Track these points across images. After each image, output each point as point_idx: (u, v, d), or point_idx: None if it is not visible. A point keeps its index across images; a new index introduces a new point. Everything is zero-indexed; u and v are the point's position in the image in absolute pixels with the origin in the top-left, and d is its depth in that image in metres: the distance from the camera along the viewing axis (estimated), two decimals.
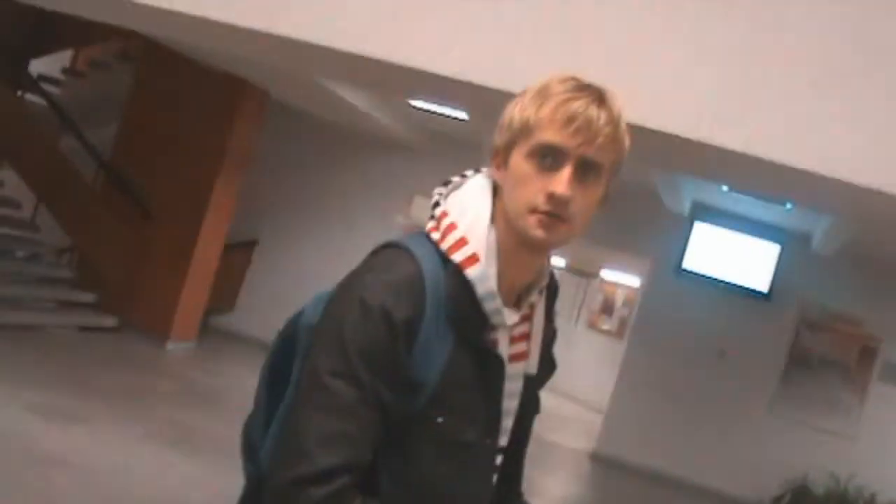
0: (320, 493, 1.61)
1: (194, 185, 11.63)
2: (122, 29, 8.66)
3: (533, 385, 1.95)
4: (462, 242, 1.75)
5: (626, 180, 10.81)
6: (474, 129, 11.22)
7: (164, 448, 7.68)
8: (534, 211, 1.70)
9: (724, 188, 9.91)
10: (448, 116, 10.85)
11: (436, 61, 5.67)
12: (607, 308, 18.65)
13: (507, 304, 1.79)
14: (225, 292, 13.40)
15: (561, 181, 1.68)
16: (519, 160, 1.74)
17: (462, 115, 10.44)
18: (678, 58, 5.49)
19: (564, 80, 1.76)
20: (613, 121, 1.72)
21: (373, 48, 5.78)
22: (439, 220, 1.82)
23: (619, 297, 18.38)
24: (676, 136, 5.41)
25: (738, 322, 12.24)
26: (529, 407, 1.96)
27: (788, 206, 9.87)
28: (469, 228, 1.77)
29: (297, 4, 5.96)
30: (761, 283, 11.97)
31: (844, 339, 12.03)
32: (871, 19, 5.27)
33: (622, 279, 18.19)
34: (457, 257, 1.75)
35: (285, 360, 1.91)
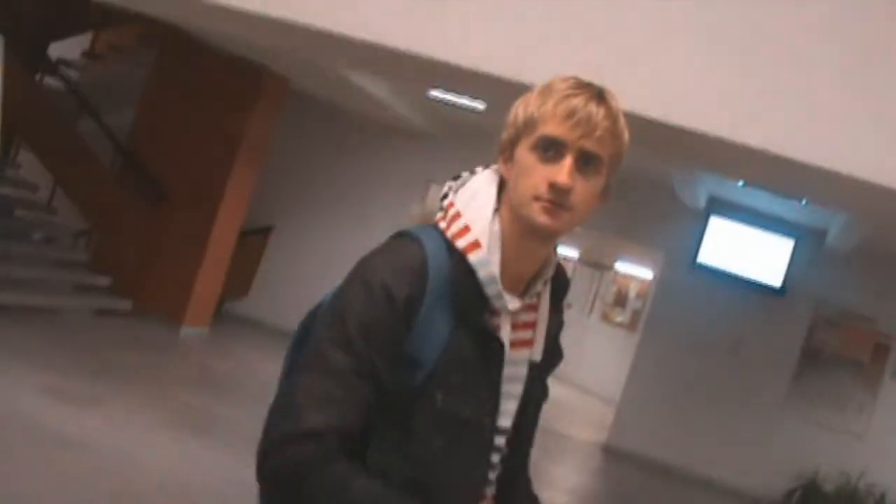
0: (304, 451, 1.71)
1: (211, 170, 11.66)
2: (141, 14, 8.68)
3: (538, 372, 2.02)
4: (466, 230, 1.86)
5: (641, 174, 10.84)
6: (491, 119, 11.21)
7: (177, 432, 7.71)
8: (537, 199, 1.80)
9: (740, 183, 9.90)
10: (465, 107, 10.84)
11: (457, 53, 5.68)
12: (621, 300, 18.63)
13: (513, 292, 1.90)
14: (239, 278, 13.43)
15: (562, 171, 1.79)
16: (524, 153, 1.84)
17: (479, 105, 10.43)
18: (698, 54, 5.49)
19: (566, 79, 1.86)
20: (611, 116, 1.82)
21: (394, 39, 5.79)
22: (446, 210, 1.92)
23: (633, 290, 18.36)
24: (696, 133, 5.42)
25: (752, 317, 12.23)
26: (535, 393, 2.03)
27: (804, 201, 9.85)
28: (473, 218, 1.87)
29: None
30: (775, 278, 11.96)
31: (857, 337, 12.01)
32: (893, 19, 5.26)
33: (636, 272, 18.17)
34: (460, 244, 1.85)
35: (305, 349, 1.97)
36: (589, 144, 1.80)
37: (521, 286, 1.93)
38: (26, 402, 7.21)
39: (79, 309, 10.99)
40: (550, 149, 1.81)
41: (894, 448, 11.63)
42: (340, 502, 1.73)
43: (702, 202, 12.04)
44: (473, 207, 1.89)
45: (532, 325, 1.98)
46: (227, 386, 10.00)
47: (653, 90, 5.49)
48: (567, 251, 18.87)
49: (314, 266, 12.62)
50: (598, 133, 1.79)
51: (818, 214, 10.79)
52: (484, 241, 1.84)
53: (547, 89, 1.85)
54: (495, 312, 1.88)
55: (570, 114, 1.79)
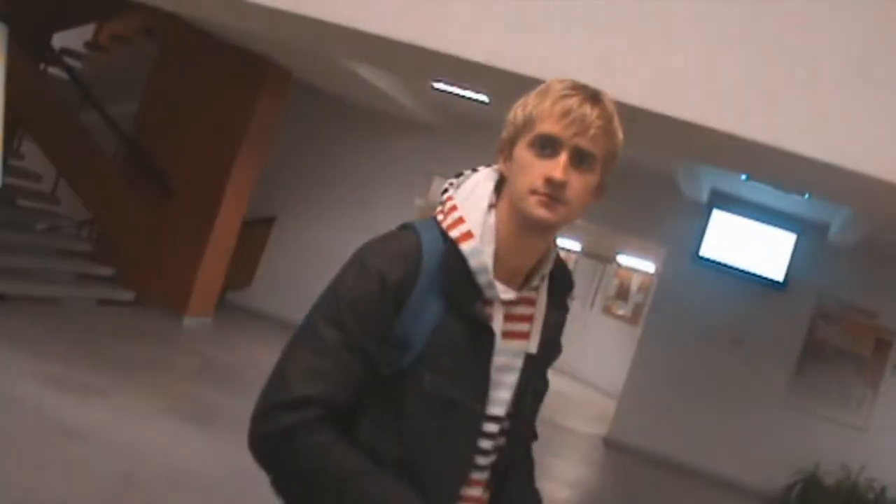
0: (291, 419, 1.84)
1: (214, 161, 11.67)
2: (145, 4, 8.68)
3: (535, 364, 2.09)
4: (460, 221, 1.96)
5: (644, 167, 10.82)
6: (495, 111, 11.20)
7: (179, 422, 7.73)
8: (534, 193, 1.90)
9: (743, 177, 9.90)
10: (469, 99, 10.84)
11: (463, 46, 5.68)
12: (623, 293, 18.63)
13: (510, 284, 2.00)
14: (242, 269, 13.45)
15: (557, 167, 1.89)
16: (522, 150, 1.94)
17: (483, 97, 10.43)
18: (703, 48, 5.49)
19: (563, 81, 1.97)
20: (605, 116, 1.92)
21: (400, 32, 5.80)
22: (444, 204, 2.04)
23: (635, 283, 18.35)
24: (701, 126, 5.43)
25: (753, 311, 12.24)
26: (534, 385, 2.11)
27: (807, 195, 9.85)
28: (468, 210, 1.98)
29: None
30: (777, 272, 11.98)
31: (859, 331, 12.02)
32: None
33: (638, 265, 18.17)
34: (453, 234, 1.95)
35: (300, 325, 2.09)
36: (583, 142, 1.90)
37: (519, 279, 2.03)
38: (29, 392, 7.23)
39: (82, 299, 11.01)
40: (547, 146, 1.91)
41: (895, 443, 11.64)
42: (321, 469, 1.85)
43: (704, 195, 12.05)
44: (470, 202, 2.00)
45: (529, 319, 2.06)
46: (230, 376, 10.01)
47: (657, 84, 5.50)
48: (569, 243, 18.88)
49: (316, 257, 12.61)
50: (591, 132, 1.89)
51: (821, 209, 10.79)
52: (477, 232, 1.95)
53: (545, 91, 1.96)
54: (488, 302, 1.97)
55: (566, 113, 1.89)
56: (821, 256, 12.00)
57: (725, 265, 12.13)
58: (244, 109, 11.64)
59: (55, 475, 5.86)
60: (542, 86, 1.98)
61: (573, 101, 1.90)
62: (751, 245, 12.10)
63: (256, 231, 13.70)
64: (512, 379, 2.04)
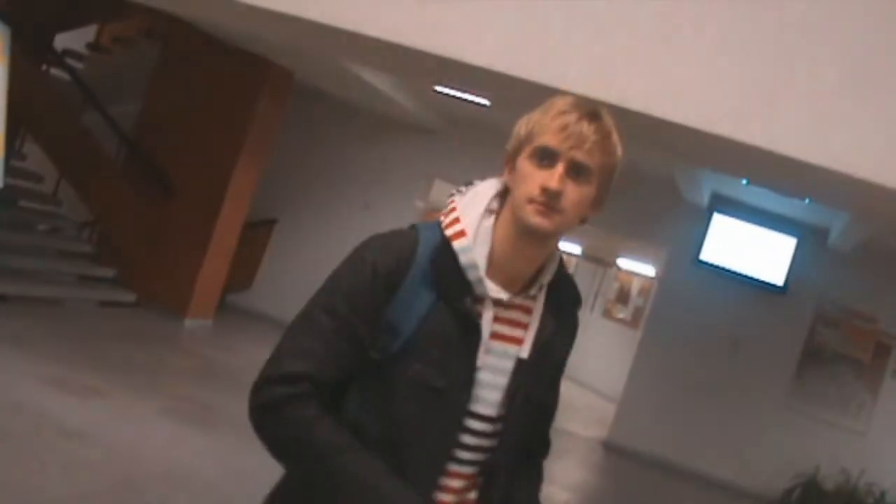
0: (280, 392, 2.00)
1: (216, 163, 11.69)
2: (147, 6, 8.70)
3: (530, 371, 2.15)
4: (456, 221, 2.09)
5: (645, 171, 10.84)
6: (496, 115, 11.24)
7: (179, 423, 7.75)
8: (531, 201, 2.01)
9: (744, 181, 9.91)
10: (470, 101, 10.86)
11: (466, 51, 5.70)
12: (623, 297, 18.65)
13: (508, 289, 2.10)
14: (243, 271, 13.47)
15: (553, 177, 1.99)
16: (523, 162, 2.06)
17: (484, 101, 10.45)
18: (704, 53, 5.50)
19: (565, 98, 2.08)
20: (601, 131, 2.02)
21: (404, 36, 5.81)
22: (448, 207, 2.16)
23: (635, 287, 18.37)
24: (701, 131, 5.44)
25: (753, 315, 12.25)
26: (529, 391, 2.16)
27: (807, 200, 9.87)
28: (465, 213, 2.10)
29: None
30: (777, 276, 11.98)
31: (859, 335, 12.03)
32: None
33: (638, 268, 18.19)
34: (448, 232, 2.08)
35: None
36: (579, 155, 2.00)
37: (518, 286, 2.12)
38: (30, 393, 7.23)
39: (83, 300, 11.03)
40: (545, 158, 2.02)
41: (894, 447, 11.65)
42: (305, 442, 1.99)
43: (705, 199, 12.06)
44: (469, 206, 2.12)
45: (524, 326, 2.14)
46: (230, 378, 10.01)
47: (658, 88, 5.51)
48: (570, 247, 18.89)
49: (317, 259, 12.56)
50: (587, 145, 1.99)
51: (821, 213, 10.80)
52: (470, 232, 2.06)
53: (548, 107, 2.07)
54: (479, 300, 2.07)
55: (564, 128, 2.00)
56: (821, 261, 12.01)
57: (725, 269, 12.14)
58: (246, 111, 11.66)
59: (55, 476, 5.87)
60: (547, 102, 2.09)
61: (572, 117, 2.01)
62: (751, 249, 12.11)
63: (257, 233, 13.71)
64: (501, 381, 2.12)
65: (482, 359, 2.07)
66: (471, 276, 2.05)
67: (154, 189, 11.66)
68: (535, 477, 2.37)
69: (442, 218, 2.13)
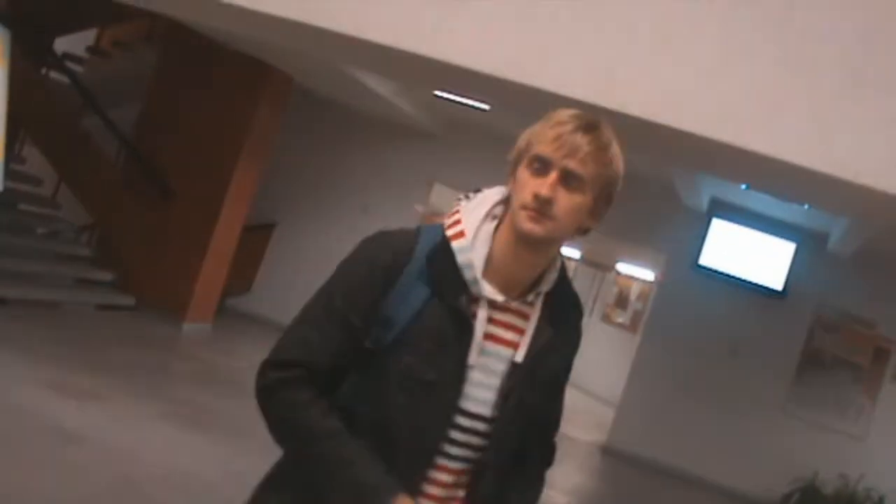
0: (275, 376, 2.13)
1: (215, 166, 11.69)
2: (147, 10, 8.71)
3: (524, 376, 2.19)
4: (457, 223, 2.16)
5: (644, 175, 10.84)
6: (495, 119, 11.25)
7: (178, 427, 7.74)
8: (525, 208, 2.08)
9: (743, 186, 9.91)
10: (470, 106, 10.87)
11: (468, 57, 5.70)
12: (622, 301, 18.65)
13: (507, 294, 2.16)
14: (242, 274, 13.47)
15: (544, 185, 2.06)
16: (521, 170, 2.12)
17: (483, 105, 10.46)
18: (706, 60, 5.51)
19: (566, 111, 2.13)
20: (595, 143, 2.07)
21: (406, 42, 5.81)
22: (452, 210, 2.22)
23: (634, 291, 18.37)
24: (701, 137, 5.44)
25: (752, 320, 12.25)
26: (518, 393, 2.19)
27: (806, 205, 9.87)
28: (467, 216, 2.17)
29: None
30: (776, 281, 11.98)
31: (858, 341, 12.03)
32: None
33: (637, 273, 18.19)
34: (448, 232, 2.15)
35: None
36: (571, 164, 2.05)
37: (516, 291, 2.18)
38: (28, 396, 7.23)
39: (81, 304, 11.03)
40: (540, 166, 2.08)
41: (893, 452, 11.65)
42: (295, 424, 2.12)
43: (704, 204, 12.07)
44: (473, 210, 2.19)
45: (520, 331, 2.19)
46: (229, 381, 10.02)
47: (659, 94, 5.52)
48: (569, 251, 18.89)
49: (316, 263, 12.49)
50: (579, 155, 2.05)
51: (820, 218, 10.80)
52: (469, 234, 2.13)
53: (548, 118, 2.13)
54: (475, 299, 2.13)
55: (558, 137, 2.06)
56: (820, 266, 12.01)
57: (725, 274, 12.14)
58: (245, 115, 11.66)
59: (53, 479, 5.87)
60: (548, 114, 2.15)
61: (568, 128, 2.07)
62: (750, 254, 12.11)
63: (256, 237, 13.71)
64: (494, 382, 2.17)
65: (474, 358, 2.13)
66: (467, 275, 2.11)
67: (153, 192, 11.66)
68: (533, 484, 2.42)
69: (445, 220, 2.19)
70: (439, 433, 2.14)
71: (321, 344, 2.13)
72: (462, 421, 2.15)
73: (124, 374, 8.82)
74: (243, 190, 12.02)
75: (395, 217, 12.55)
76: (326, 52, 8.15)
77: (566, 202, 2.07)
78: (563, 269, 2.26)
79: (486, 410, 2.17)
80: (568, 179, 2.06)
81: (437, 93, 10.61)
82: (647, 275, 17.48)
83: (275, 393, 2.14)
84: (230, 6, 6.25)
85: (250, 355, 11.49)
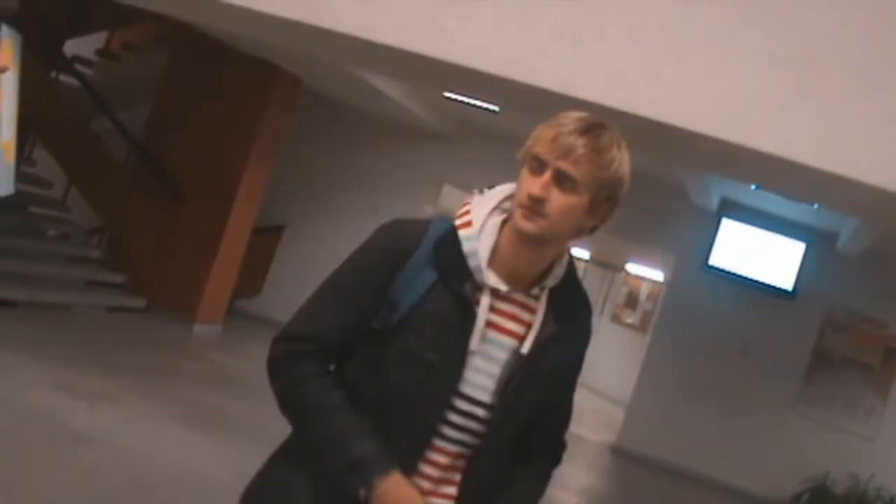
0: (284, 347, 2.26)
1: (225, 168, 11.70)
2: (156, 12, 8.72)
3: (527, 367, 2.23)
4: (465, 214, 2.23)
5: (654, 176, 10.84)
6: (505, 120, 11.25)
7: (189, 428, 7.75)
8: (520, 206, 2.15)
9: (753, 186, 9.90)
10: (479, 107, 10.87)
11: (477, 58, 5.71)
12: (631, 302, 18.64)
13: (512, 286, 2.22)
14: (252, 276, 13.48)
15: (537, 184, 2.12)
16: (523, 169, 2.18)
17: (493, 106, 10.46)
18: (714, 60, 5.51)
19: (569, 114, 2.18)
20: (591, 145, 2.11)
21: (414, 43, 5.82)
22: (463, 204, 2.30)
23: (644, 292, 18.36)
24: (711, 137, 5.44)
25: (762, 320, 12.24)
26: (519, 382, 2.23)
27: (816, 205, 9.86)
28: (475, 209, 2.24)
29: None
30: (786, 281, 11.97)
31: (868, 341, 12.00)
32: None
33: (647, 273, 18.17)
34: (456, 223, 2.23)
35: None
36: (564, 165, 2.10)
37: (521, 285, 2.23)
38: (39, 398, 7.25)
39: (92, 306, 11.05)
40: (536, 166, 2.14)
41: None
42: (295, 392, 2.24)
43: (714, 204, 12.06)
44: (481, 204, 2.26)
45: (524, 323, 2.24)
46: (239, 383, 10.03)
47: (668, 95, 5.52)
48: (578, 251, 18.88)
49: (326, 265, 12.37)
50: (573, 156, 2.09)
51: (829, 218, 10.79)
52: (476, 225, 2.20)
53: (553, 119, 2.17)
54: (479, 288, 2.19)
55: (555, 139, 2.11)
56: (829, 266, 11.99)
57: (734, 274, 12.13)
58: (254, 117, 11.68)
59: (65, 480, 5.89)
60: (556, 115, 2.19)
61: (566, 129, 2.11)
62: (760, 254, 12.10)
63: (266, 238, 13.72)
64: (494, 370, 2.23)
65: (476, 343, 2.19)
66: (471, 263, 2.18)
67: (163, 194, 11.68)
68: (535, 479, 2.46)
69: (457, 211, 2.27)
70: (438, 413, 2.20)
71: (330, 321, 2.24)
72: (461, 404, 2.21)
73: (135, 376, 8.84)
74: (253, 192, 12.04)
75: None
76: (333, 54, 8.16)
77: (559, 202, 2.12)
78: (571, 267, 2.31)
79: (485, 397, 2.23)
80: (561, 180, 2.11)
81: (447, 94, 10.61)
82: (657, 275, 17.46)
83: (282, 364, 2.26)
84: (234, 7, 6.27)
85: (260, 357, 11.43)
